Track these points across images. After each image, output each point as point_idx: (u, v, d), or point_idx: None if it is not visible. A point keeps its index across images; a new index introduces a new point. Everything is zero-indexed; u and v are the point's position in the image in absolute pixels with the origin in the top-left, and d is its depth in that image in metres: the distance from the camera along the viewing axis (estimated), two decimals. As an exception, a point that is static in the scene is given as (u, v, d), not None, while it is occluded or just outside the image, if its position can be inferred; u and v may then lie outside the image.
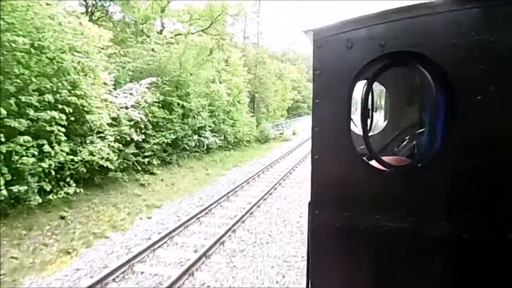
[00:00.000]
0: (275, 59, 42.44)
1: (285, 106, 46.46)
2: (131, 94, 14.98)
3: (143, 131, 14.75)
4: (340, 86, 1.85)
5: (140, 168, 14.94)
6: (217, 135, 22.35)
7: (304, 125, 45.57)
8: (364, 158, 2.04)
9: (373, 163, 2.02)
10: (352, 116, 2.16)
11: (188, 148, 18.25)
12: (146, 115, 14.93)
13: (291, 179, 17.98)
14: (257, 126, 33.81)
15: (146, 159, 15.04)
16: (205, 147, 20.49)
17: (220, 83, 23.30)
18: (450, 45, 1.68)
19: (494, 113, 1.67)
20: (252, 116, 31.97)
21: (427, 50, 1.72)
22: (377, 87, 4.75)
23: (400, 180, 1.86)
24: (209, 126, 21.07)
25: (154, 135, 15.74)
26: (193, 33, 22.97)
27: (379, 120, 5.17)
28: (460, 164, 1.74)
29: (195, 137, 18.58)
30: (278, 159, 23.46)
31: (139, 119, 14.24)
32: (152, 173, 15.78)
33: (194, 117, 18.97)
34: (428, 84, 1.83)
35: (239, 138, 26.82)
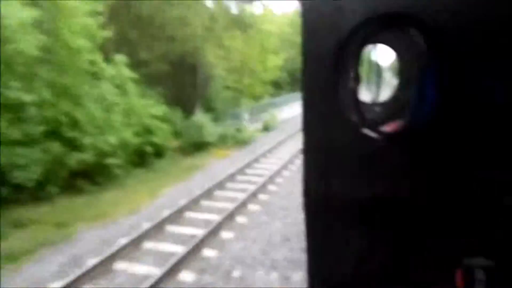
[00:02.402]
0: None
1: (268, 80, 30.43)
2: None
3: None
4: (329, 52, 1.65)
5: None
6: None
7: (294, 110, 29.28)
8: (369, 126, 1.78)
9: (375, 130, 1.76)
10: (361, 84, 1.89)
11: None
12: None
13: None
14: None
15: None
16: None
17: None
18: (443, 5, 1.52)
19: (492, 72, 1.55)
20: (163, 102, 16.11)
21: (420, 11, 1.53)
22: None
23: (392, 147, 1.70)
24: None
25: None
26: None
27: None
28: (453, 128, 1.63)
29: None
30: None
31: None
32: None
33: None
34: (422, 47, 1.61)
35: (87, 163, 11.21)
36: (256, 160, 15.00)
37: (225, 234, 8.18)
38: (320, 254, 1.83)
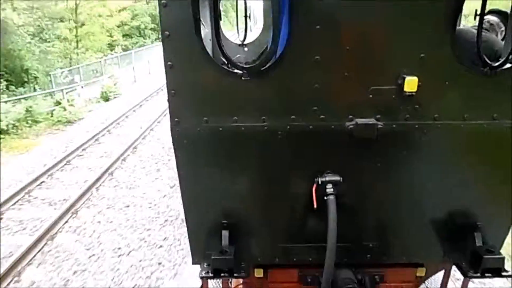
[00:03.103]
0: None
1: (115, 25, 23.72)
2: None
3: None
4: None
5: None
6: None
7: (156, 64, 23.40)
8: (239, 64, 2.04)
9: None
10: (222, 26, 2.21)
11: None
12: None
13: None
14: None
15: None
16: None
17: None
18: None
19: (334, 10, 1.79)
20: None
21: None
22: None
23: (251, 81, 1.93)
24: None
25: None
26: None
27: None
28: (304, 61, 1.86)
29: None
30: None
31: None
32: None
33: None
34: None
35: None
36: (70, 157, 9.60)
37: None
38: (194, 189, 2.05)
